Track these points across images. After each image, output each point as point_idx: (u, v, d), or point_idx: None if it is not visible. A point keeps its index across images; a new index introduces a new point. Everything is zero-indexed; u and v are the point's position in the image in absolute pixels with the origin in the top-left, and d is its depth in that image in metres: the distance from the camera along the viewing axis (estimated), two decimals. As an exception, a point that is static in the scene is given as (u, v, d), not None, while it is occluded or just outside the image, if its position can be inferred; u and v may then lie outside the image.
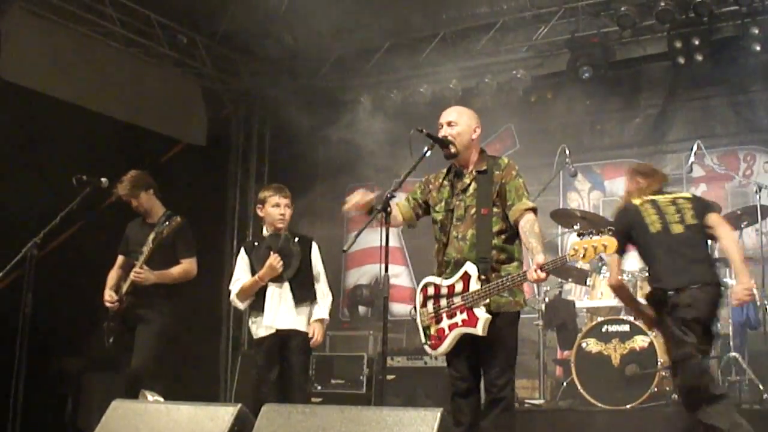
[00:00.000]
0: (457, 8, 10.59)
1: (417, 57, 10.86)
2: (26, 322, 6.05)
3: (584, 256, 4.69)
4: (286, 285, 6.38)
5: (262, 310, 6.33)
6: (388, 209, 4.81)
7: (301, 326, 6.40)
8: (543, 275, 4.72)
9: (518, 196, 5.00)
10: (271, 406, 4.11)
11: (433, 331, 5.07)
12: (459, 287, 4.96)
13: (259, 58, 11.48)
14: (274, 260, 6.25)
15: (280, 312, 6.34)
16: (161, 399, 5.62)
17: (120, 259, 7.22)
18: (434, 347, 5.07)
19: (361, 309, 11.24)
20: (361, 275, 11.82)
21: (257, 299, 6.41)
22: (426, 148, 5.08)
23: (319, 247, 6.68)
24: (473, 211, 5.04)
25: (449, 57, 10.79)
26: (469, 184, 5.13)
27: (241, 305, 6.54)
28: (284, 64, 11.30)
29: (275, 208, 6.48)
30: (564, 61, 10.16)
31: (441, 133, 5.18)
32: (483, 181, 5.08)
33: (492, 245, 4.98)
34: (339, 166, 11.38)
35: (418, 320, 5.20)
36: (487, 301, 4.87)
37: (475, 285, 4.89)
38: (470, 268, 4.93)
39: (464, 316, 4.91)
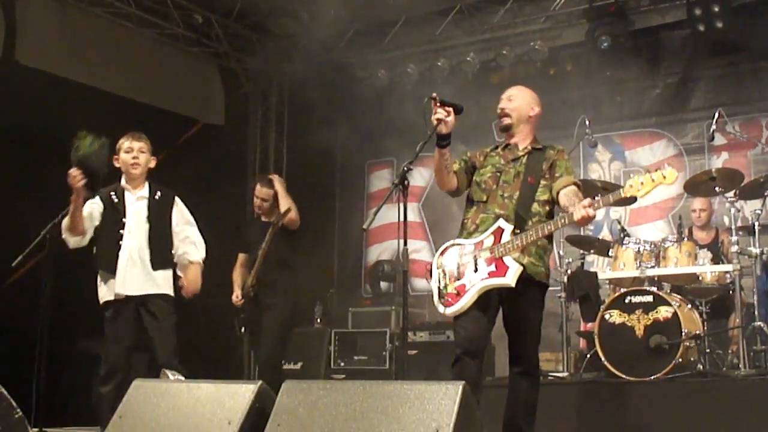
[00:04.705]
0: (473, -20, 10.51)
1: (433, 30, 10.79)
2: (47, 305, 6.09)
3: (640, 189, 4.61)
4: (144, 247, 5.89)
5: (114, 273, 5.84)
6: (406, 182, 4.76)
7: (160, 289, 5.90)
8: (592, 212, 4.64)
9: (568, 171, 5.10)
10: (291, 382, 4.10)
11: (450, 289, 4.97)
12: (489, 242, 4.94)
13: (275, 36, 11.45)
14: (73, 172, 5.61)
15: (133, 276, 5.84)
16: (182, 378, 5.62)
17: (241, 257, 7.91)
18: (449, 305, 4.94)
19: (383, 285, 11.22)
20: (382, 251, 11.80)
21: (108, 259, 5.89)
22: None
23: (185, 202, 6.17)
24: (522, 176, 5.08)
25: (466, 30, 10.72)
26: (522, 156, 5.18)
27: (71, 241, 5.92)
28: (300, 40, 11.25)
29: (127, 154, 6.00)
30: (582, 32, 10.07)
31: (500, 106, 5.27)
32: (536, 156, 5.16)
33: (532, 210, 5.00)
34: (358, 142, 11.36)
35: (434, 280, 5.09)
36: (517, 255, 4.86)
37: (507, 238, 4.88)
38: (503, 223, 4.94)
39: (492, 267, 4.86)
